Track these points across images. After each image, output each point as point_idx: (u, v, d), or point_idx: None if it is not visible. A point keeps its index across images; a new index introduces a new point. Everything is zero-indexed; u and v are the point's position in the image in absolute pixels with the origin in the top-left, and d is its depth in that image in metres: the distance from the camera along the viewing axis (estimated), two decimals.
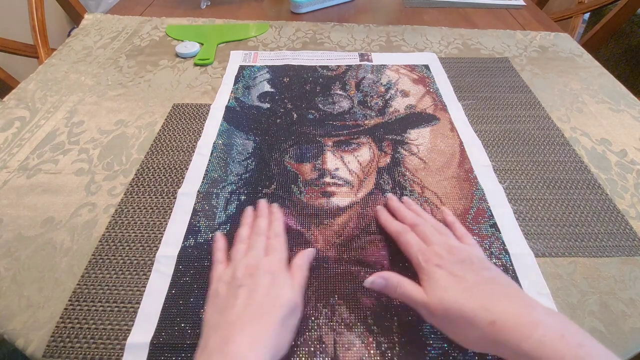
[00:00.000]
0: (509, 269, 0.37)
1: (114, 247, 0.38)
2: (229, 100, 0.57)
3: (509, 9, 0.86)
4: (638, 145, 0.51)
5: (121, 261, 0.37)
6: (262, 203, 0.41)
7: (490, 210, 0.42)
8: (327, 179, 0.45)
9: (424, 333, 0.32)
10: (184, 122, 0.53)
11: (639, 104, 0.58)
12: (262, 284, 0.30)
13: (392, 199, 0.42)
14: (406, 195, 0.43)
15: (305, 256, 0.35)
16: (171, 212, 0.42)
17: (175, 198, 0.43)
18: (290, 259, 0.35)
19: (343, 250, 0.38)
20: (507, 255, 0.38)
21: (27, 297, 0.35)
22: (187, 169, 0.46)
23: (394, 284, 0.32)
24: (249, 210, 0.41)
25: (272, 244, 0.35)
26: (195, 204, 0.42)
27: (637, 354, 0.33)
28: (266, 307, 0.29)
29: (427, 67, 0.64)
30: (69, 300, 0.34)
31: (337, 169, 0.46)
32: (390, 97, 0.58)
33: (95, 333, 0.32)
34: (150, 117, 0.54)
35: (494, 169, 0.47)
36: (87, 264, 0.37)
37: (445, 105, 0.56)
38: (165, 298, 0.34)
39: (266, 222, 0.38)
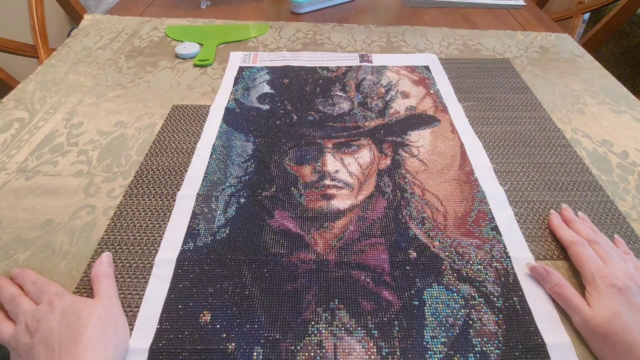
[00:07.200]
0: (510, 273, 0.37)
1: (113, 250, 0.38)
2: (229, 101, 0.57)
3: (509, 9, 0.86)
4: (639, 146, 0.51)
5: (120, 265, 0.37)
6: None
7: (491, 213, 0.42)
8: (327, 182, 0.45)
9: (424, 338, 0.32)
10: (184, 123, 0.53)
11: None
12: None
13: (568, 210, 0.41)
14: (407, 197, 0.43)
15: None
16: (170, 214, 0.41)
17: (174, 200, 0.43)
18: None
19: (343, 254, 0.38)
20: (508, 259, 0.38)
21: None
22: (186, 171, 0.46)
23: (554, 280, 0.34)
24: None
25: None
26: (194, 207, 0.42)
27: None
28: None
29: (427, 68, 0.64)
30: None
31: (337, 171, 0.46)
32: (390, 98, 0.58)
33: None
34: (149, 118, 0.54)
35: (495, 171, 0.47)
36: (86, 267, 0.37)
37: (446, 107, 0.56)
38: (165, 303, 0.34)
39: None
